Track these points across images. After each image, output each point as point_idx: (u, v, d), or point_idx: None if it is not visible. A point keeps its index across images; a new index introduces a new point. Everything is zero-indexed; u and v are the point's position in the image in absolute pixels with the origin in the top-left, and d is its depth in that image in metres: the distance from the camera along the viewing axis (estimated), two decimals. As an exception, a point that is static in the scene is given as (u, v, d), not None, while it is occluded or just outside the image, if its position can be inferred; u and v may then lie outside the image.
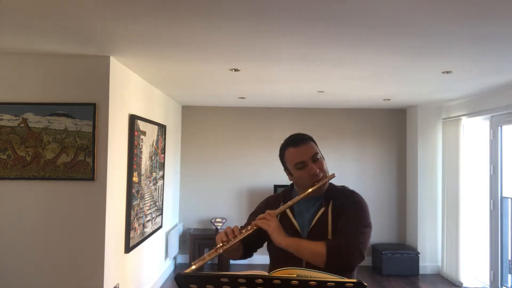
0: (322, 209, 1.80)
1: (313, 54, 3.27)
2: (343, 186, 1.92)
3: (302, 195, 1.77)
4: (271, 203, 1.96)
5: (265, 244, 1.91)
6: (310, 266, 1.63)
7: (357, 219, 1.75)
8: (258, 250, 1.95)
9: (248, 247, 1.88)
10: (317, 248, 1.64)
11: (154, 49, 3.21)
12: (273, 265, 1.83)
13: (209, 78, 4.28)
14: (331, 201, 1.81)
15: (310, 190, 1.76)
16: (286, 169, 1.89)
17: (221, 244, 1.71)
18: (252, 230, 1.74)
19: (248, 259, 2.00)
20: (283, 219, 1.83)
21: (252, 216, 1.98)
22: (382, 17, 2.40)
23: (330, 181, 1.86)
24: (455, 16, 2.39)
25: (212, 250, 1.70)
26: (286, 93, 5.16)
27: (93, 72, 3.40)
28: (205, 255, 1.67)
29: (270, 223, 1.73)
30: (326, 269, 1.56)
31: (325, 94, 5.17)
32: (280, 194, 1.97)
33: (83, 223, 3.36)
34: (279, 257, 1.75)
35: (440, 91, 4.96)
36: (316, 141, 1.91)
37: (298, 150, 1.81)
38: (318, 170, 1.78)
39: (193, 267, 1.59)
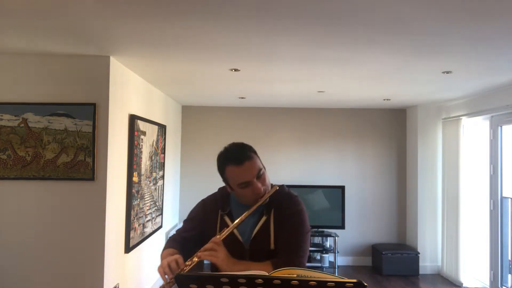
0: (264, 218, 1.76)
1: (313, 54, 3.27)
2: (283, 190, 1.85)
3: (247, 214, 1.69)
4: (208, 209, 1.87)
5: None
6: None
7: (299, 230, 1.75)
8: None
9: (186, 254, 1.79)
10: (266, 271, 1.62)
11: (154, 49, 3.21)
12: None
13: (209, 78, 4.28)
14: (272, 210, 1.77)
15: (254, 207, 1.70)
16: (226, 182, 1.79)
17: (168, 282, 1.59)
18: (198, 261, 1.65)
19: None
20: (222, 227, 1.76)
21: (188, 224, 1.91)
22: (382, 16, 2.41)
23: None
24: (455, 16, 2.39)
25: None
26: (286, 93, 5.16)
27: (93, 72, 3.40)
28: None
29: (218, 254, 1.62)
30: None
31: (325, 94, 5.17)
32: (217, 199, 1.88)
33: (83, 223, 3.36)
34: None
35: (440, 91, 4.96)
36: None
37: (241, 169, 1.69)
38: (262, 188, 1.72)
39: None
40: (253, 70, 3.88)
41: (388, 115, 6.60)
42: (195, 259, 1.63)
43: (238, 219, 1.69)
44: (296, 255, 1.71)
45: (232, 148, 1.77)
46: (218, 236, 1.67)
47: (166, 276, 1.60)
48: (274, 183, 1.95)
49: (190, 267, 1.61)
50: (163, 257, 1.74)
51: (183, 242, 1.83)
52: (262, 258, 1.71)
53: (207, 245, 1.64)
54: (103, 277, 3.35)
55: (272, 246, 1.73)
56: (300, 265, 1.69)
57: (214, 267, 1.71)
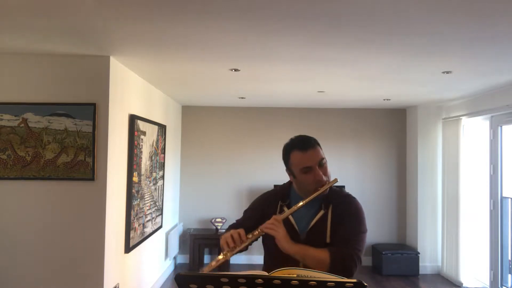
0: (322, 212, 1.83)
1: (313, 54, 3.27)
2: (342, 190, 1.95)
3: (307, 200, 1.78)
4: (268, 200, 1.97)
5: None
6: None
7: (357, 227, 1.80)
8: (258, 248, 1.96)
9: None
10: (321, 256, 1.69)
11: (154, 49, 3.21)
12: (269, 260, 1.90)
13: (209, 78, 4.28)
14: (330, 206, 1.83)
15: (314, 194, 1.78)
16: (289, 170, 1.89)
17: (228, 249, 1.72)
18: (259, 235, 1.77)
19: (248, 259, 2.01)
20: None
21: (248, 213, 2.01)
22: (382, 17, 2.41)
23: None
24: (456, 16, 2.39)
25: (221, 258, 1.71)
26: (286, 93, 5.16)
27: (93, 72, 3.40)
28: (212, 262, 1.69)
29: (278, 230, 1.73)
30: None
31: (325, 94, 5.17)
32: (278, 192, 1.98)
33: (83, 223, 3.35)
34: (276, 252, 1.80)
35: (440, 91, 4.96)
36: (317, 141, 1.92)
37: (305, 155, 1.80)
38: (323, 176, 1.80)
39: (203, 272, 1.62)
40: (253, 70, 3.88)
41: (388, 115, 6.60)
42: (256, 232, 1.75)
43: (299, 204, 1.79)
44: (353, 248, 1.74)
45: (298, 137, 1.88)
46: (279, 215, 1.78)
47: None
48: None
49: (251, 239, 1.74)
50: (223, 238, 1.82)
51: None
52: None
53: (269, 221, 1.76)
54: (103, 277, 3.35)
55: (328, 240, 1.79)
56: (357, 259, 1.72)
57: (268, 245, 1.84)
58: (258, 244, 1.99)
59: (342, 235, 1.77)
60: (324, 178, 1.81)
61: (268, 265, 1.89)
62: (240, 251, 1.83)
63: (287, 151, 1.87)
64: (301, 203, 1.79)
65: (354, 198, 1.91)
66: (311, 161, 1.80)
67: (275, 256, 1.81)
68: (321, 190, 1.79)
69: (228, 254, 1.71)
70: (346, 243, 1.75)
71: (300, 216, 1.84)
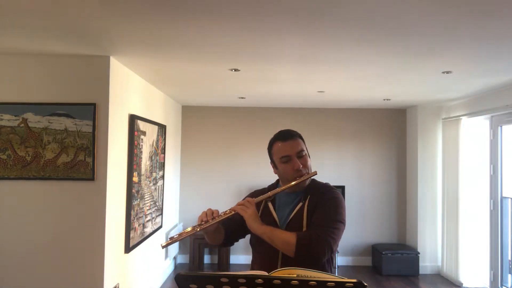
0: (300, 204, 1.87)
1: (313, 54, 3.27)
2: (326, 183, 1.98)
3: (283, 188, 1.87)
4: (254, 196, 2.01)
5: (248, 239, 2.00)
6: (286, 259, 1.73)
7: (331, 213, 1.81)
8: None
9: (230, 233, 1.97)
10: (288, 238, 1.72)
11: (154, 49, 3.21)
12: (254, 257, 1.95)
13: (209, 78, 4.28)
14: (308, 197, 1.87)
15: (291, 183, 1.84)
16: (272, 161, 1.97)
17: (199, 223, 1.81)
18: (230, 214, 1.84)
19: (248, 259, 2.04)
20: (264, 211, 1.91)
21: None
22: (383, 17, 2.41)
23: (315, 178, 1.95)
24: (456, 16, 2.39)
25: (190, 229, 1.81)
26: (286, 93, 5.16)
27: (93, 72, 3.40)
28: (183, 231, 1.79)
29: (247, 210, 1.82)
30: (296, 258, 1.67)
31: (325, 94, 5.17)
32: (266, 189, 2.04)
33: (83, 223, 3.35)
34: (259, 249, 1.87)
35: (440, 91, 4.96)
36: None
37: (285, 144, 1.88)
38: (301, 166, 1.86)
39: (170, 240, 1.77)
40: (253, 70, 3.88)
41: (388, 115, 6.60)
42: (228, 211, 1.86)
43: (276, 189, 1.90)
44: (325, 233, 1.72)
45: (282, 130, 1.98)
46: (253, 198, 1.88)
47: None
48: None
49: (223, 217, 1.82)
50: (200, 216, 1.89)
51: (227, 221, 1.96)
52: None
53: (241, 201, 1.88)
54: (103, 277, 3.35)
55: (305, 228, 1.81)
56: (325, 243, 1.70)
57: (255, 244, 1.90)
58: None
59: (314, 221, 1.79)
60: (304, 170, 1.85)
61: (256, 261, 1.92)
62: (222, 241, 1.97)
63: (270, 144, 1.96)
64: (277, 190, 1.87)
65: (333, 188, 1.93)
66: (289, 150, 1.86)
67: (259, 252, 1.88)
68: (299, 180, 1.84)
69: (197, 227, 1.81)
70: (317, 224, 1.76)
71: (283, 210, 1.90)
